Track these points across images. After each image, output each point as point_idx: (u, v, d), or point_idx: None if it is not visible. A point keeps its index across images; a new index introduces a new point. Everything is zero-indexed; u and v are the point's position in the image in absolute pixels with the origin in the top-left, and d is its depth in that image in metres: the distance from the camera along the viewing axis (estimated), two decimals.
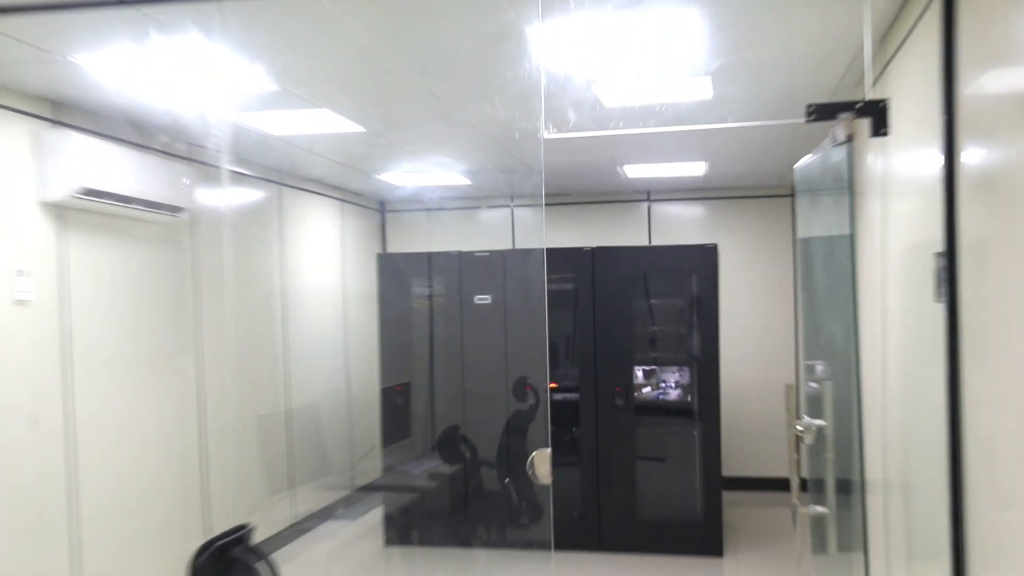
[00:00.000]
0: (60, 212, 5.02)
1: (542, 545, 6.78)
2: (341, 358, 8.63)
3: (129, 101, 5.04)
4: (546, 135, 3.61)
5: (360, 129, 5.91)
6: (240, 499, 6.70)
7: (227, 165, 5.96)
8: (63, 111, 5.10)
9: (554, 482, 6.40)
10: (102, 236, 5.39)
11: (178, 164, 5.82)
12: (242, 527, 2.46)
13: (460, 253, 7.54)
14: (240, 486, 6.75)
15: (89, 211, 5.19)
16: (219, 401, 6.46)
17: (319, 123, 5.72)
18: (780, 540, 7.23)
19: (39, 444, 4.84)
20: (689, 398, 7.02)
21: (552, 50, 3.91)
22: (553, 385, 7.01)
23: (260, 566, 2.39)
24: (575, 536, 6.92)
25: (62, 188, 4.87)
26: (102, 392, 5.35)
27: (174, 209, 5.74)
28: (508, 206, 9.21)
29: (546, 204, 9.11)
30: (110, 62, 4.41)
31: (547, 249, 7.24)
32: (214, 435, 6.39)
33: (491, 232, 9.21)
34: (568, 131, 4.24)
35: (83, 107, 5.18)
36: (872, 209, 4.34)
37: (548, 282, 7.05)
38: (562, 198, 9.12)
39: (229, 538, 2.40)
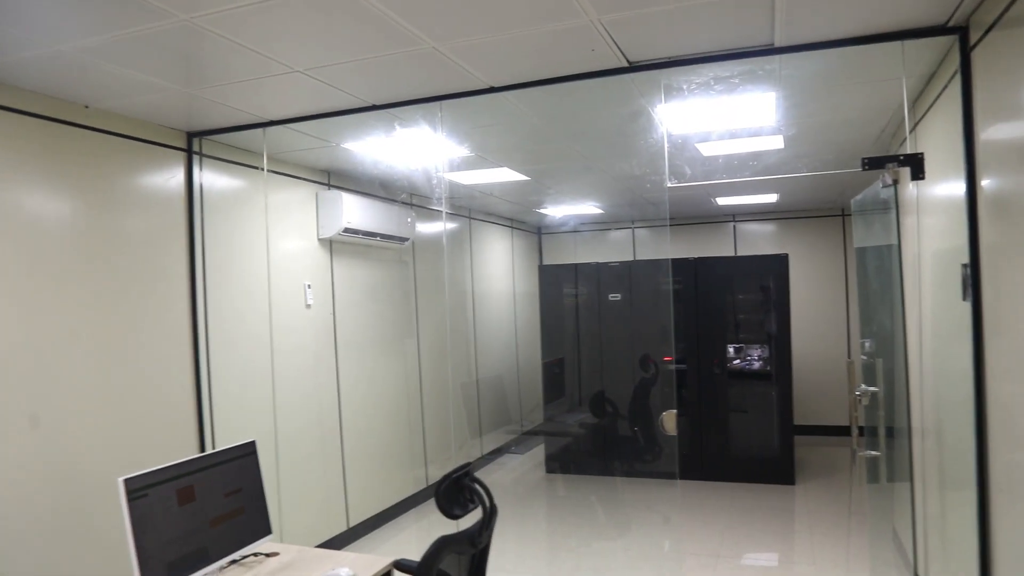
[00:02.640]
0: (330, 244, 5.42)
1: (669, 475, 6.82)
2: (513, 340, 8.83)
3: (378, 168, 5.35)
4: (669, 184, 3.69)
5: (527, 179, 6.07)
6: (448, 439, 6.99)
7: (437, 207, 6.22)
8: (335, 178, 5.49)
9: None
10: (355, 259, 5.73)
11: (404, 208, 6.16)
12: (467, 465, 2.59)
13: (598, 263, 7.64)
14: (448, 430, 7.04)
15: (348, 243, 5.56)
16: (431, 371, 6.76)
17: (499, 176, 5.88)
18: (838, 473, 7.03)
19: (322, 397, 5.24)
20: (768, 367, 6.91)
21: (671, 122, 3.98)
22: (668, 359, 7.03)
23: (480, 490, 2.51)
24: (683, 468, 6.94)
25: (332, 229, 5.23)
26: (356, 363, 5.67)
27: (402, 239, 6.05)
28: (630, 227, 9.24)
29: (658, 226, 9.10)
30: (367, 145, 4.70)
31: (662, 260, 7.28)
32: (428, 395, 6.70)
33: (617, 247, 9.26)
34: (685, 181, 4.29)
35: (347, 174, 5.53)
36: (910, 225, 4.26)
37: (663, 283, 7.11)
38: (670, 221, 9.09)
39: (459, 472, 2.53)
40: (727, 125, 4.10)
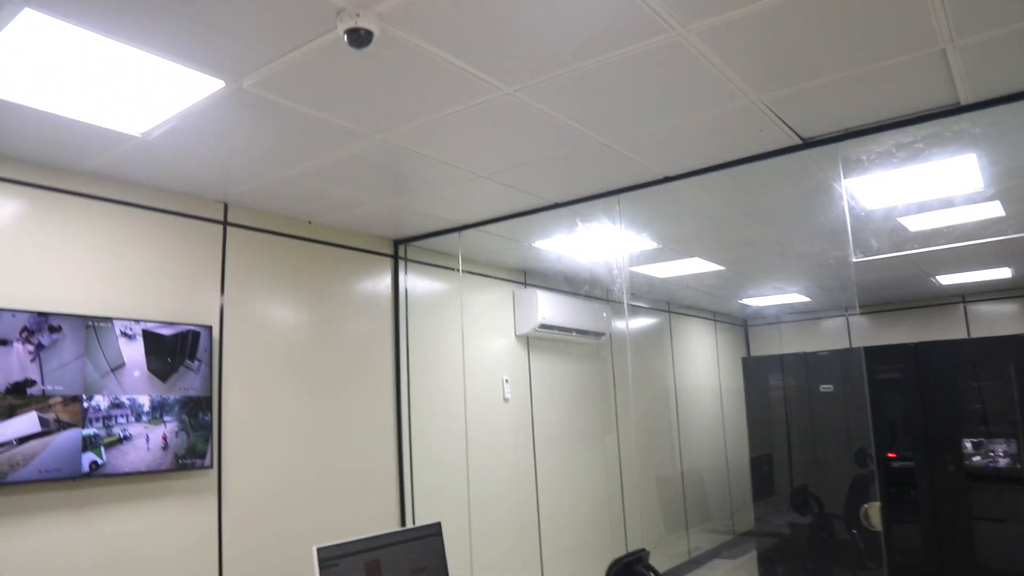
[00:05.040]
0: (527, 340, 5.60)
1: None
2: (720, 436, 8.42)
3: (564, 264, 5.48)
4: (854, 259, 3.45)
5: (720, 268, 5.93)
6: (646, 534, 6.71)
7: (628, 301, 6.23)
8: (531, 276, 5.73)
9: (897, 534, 5.69)
10: (551, 354, 5.86)
11: (598, 303, 6.23)
12: (641, 550, 2.49)
13: (805, 353, 7.16)
14: (646, 525, 6.77)
15: (543, 338, 5.71)
16: (632, 467, 6.60)
17: (691, 267, 5.78)
18: None
19: (521, 489, 5.30)
20: (1019, 465, 5.94)
21: (854, 196, 3.76)
22: (891, 455, 6.30)
23: None
24: None
25: (528, 325, 5.40)
26: (555, 457, 5.68)
27: (597, 334, 6.10)
28: (844, 315, 8.59)
29: (875, 312, 8.38)
30: (557, 243, 4.85)
31: (878, 346, 6.67)
32: (629, 491, 6.53)
33: (833, 336, 8.61)
34: (872, 254, 3.98)
35: (541, 272, 5.73)
36: None
37: (880, 372, 6.47)
38: (888, 306, 8.33)
39: (632, 557, 2.45)
40: (923, 194, 3.76)
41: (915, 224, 4.51)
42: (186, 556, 3.24)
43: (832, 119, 2.91)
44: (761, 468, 7.14)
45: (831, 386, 6.79)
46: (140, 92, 2.47)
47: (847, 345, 8.43)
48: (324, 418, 3.94)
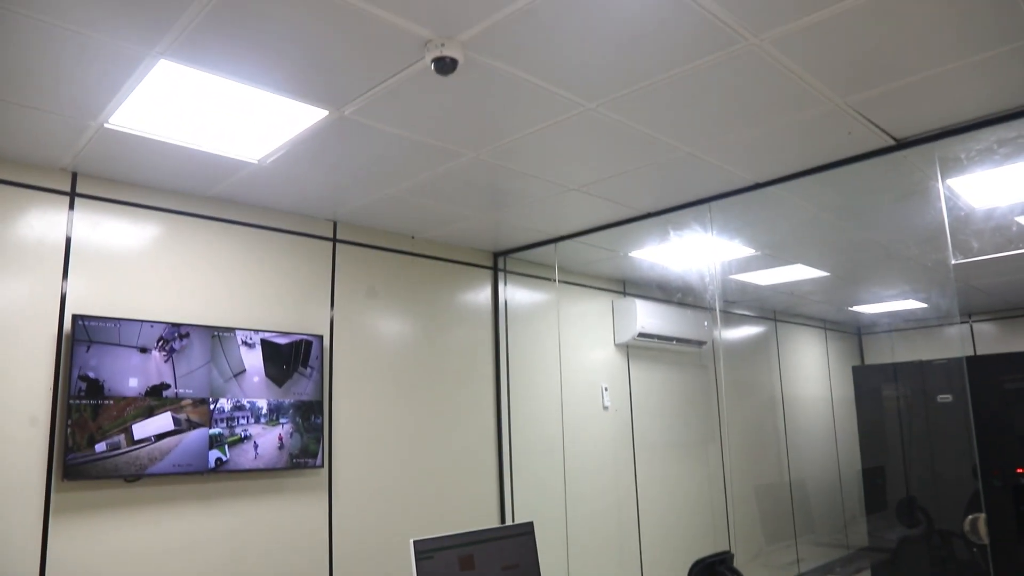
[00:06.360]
0: (627, 349, 5.61)
1: None
2: (831, 446, 8.08)
3: (660, 273, 5.45)
4: (953, 261, 3.29)
5: (824, 274, 5.73)
6: (752, 544, 6.53)
7: (720, 309, 6.10)
8: (630, 286, 5.72)
9: None
10: (651, 362, 5.83)
11: (698, 312, 6.14)
12: (726, 552, 2.51)
13: (921, 362, 6.79)
14: (752, 535, 6.59)
15: (643, 347, 5.69)
16: (738, 477, 6.46)
17: (793, 273, 5.62)
18: None
19: (619, 496, 5.29)
20: None
21: (954, 195, 3.58)
22: (1020, 470, 5.87)
23: None
24: None
25: (627, 334, 5.40)
26: (653, 465, 5.64)
27: (699, 343, 6.03)
28: (967, 322, 8.07)
29: (1005, 318, 7.84)
30: (648, 252, 4.87)
31: (1004, 354, 6.27)
32: (734, 502, 6.38)
33: (954, 344, 8.10)
34: (972, 256, 3.77)
35: (640, 282, 5.73)
36: None
37: (1006, 381, 6.04)
38: (1018, 312, 7.77)
39: (715, 558, 2.46)
40: None
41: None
42: (300, 546, 3.49)
43: (926, 118, 2.82)
44: (874, 480, 6.82)
45: (949, 396, 6.41)
46: (256, 124, 2.73)
47: (971, 353, 7.91)
48: (427, 422, 4.12)
